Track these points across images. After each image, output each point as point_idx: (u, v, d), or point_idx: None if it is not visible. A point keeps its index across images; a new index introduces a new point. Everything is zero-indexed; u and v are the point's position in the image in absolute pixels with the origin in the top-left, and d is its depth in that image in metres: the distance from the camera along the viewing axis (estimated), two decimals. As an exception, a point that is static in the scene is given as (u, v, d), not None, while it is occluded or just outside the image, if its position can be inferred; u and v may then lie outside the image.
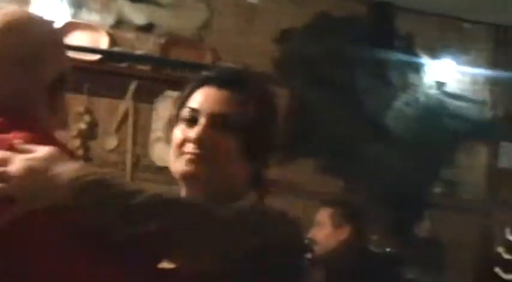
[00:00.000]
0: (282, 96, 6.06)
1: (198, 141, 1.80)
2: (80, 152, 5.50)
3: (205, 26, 6.05)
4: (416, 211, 6.31)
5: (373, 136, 6.34)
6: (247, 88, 1.90)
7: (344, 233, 4.12)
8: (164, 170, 2.82)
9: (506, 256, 2.02)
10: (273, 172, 6.17)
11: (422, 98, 6.61)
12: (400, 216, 6.19)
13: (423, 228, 5.99)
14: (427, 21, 6.59)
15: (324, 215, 4.19)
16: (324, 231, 4.15)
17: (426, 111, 6.62)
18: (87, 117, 5.64)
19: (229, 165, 1.84)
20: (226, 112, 1.84)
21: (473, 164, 6.75)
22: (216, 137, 1.81)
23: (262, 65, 6.04)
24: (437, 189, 6.50)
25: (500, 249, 2.02)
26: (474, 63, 6.79)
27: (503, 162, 6.96)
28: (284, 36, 6.16)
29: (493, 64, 6.82)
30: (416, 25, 6.56)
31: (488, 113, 6.73)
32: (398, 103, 6.49)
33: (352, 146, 6.27)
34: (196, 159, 1.79)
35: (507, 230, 2.00)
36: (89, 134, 5.72)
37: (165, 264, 1.69)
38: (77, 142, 5.56)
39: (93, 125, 5.73)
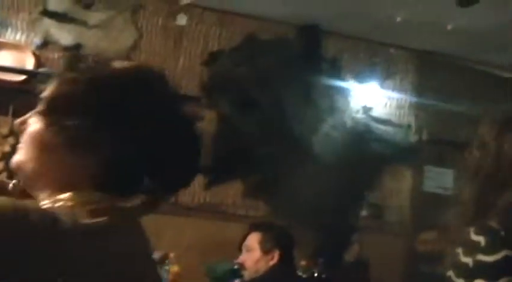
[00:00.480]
0: (209, 119, 6.08)
1: None
2: (4, 174, 5.37)
3: (134, 47, 6.03)
4: (344, 235, 6.35)
5: (300, 159, 6.37)
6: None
7: (273, 258, 4.11)
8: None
9: (458, 281, 2.02)
10: (201, 195, 6.13)
11: (349, 122, 6.67)
12: (328, 240, 6.22)
13: (351, 251, 6.02)
14: (354, 45, 6.69)
15: (252, 240, 4.18)
16: (253, 256, 4.13)
17: (353, 135, 6.68)
18: (11, 140, 5.51)
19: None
20: None
21: (398, 188, 6.85)
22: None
23: (191, 87, 6.04)
24: (364, 213, 6.57)
25: (450, 273, 2.01)
26: (399, 88, 6.90)
27: (428, 186, 7.08)
28: (212, 59, 6.17)
29: (417, 89, 6.95)
30: (343, 49, 6.64)
31: (413, 137, 6.84)
32: (326, 127, 6.53)
33: (280, 169, 6.28)
34: None
35: (460, 251, 1.98)
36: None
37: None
38: (0, 165, 5.43)
39: (17, 148, 5.59)
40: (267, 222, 5.01)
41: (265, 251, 4.14)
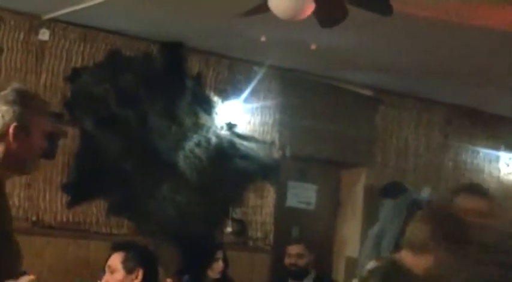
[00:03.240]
0: (72, 136, 6.11)
1: None
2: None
3: (-6, 62, 5.96)
4: (208, 251, 6.47)
5: (164, 177, 6.44)
6: None
7: (137, 277, 4.17)
8: None
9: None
10: (63, 213, 6.12)
11: (213, 139, 6.79)
12: (192, 256, 6.32)
13: (215, 268, 6.14)
14: (218, 63, 6.84)
15: (115, 260, 4.21)
16: (116, 277, 4.17)
17: (216, 152, 6.81)
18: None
19: None
20: None
21: (262, 203, 7.04)
22: None
23: (53, 104, 6.05)
24: (228, 229, 6.72)
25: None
26: (263, 105, 7.10)
27: (291, 201, 7.32)
28: (75, 74, 6.15)
29: (281, 106, 7.16)
30: (207, 66, 6.79)
31: (276, 154, 7.03)
32: (190, 143, 6.62)
33: (144, 186, 6.33)
34: None
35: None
36: None
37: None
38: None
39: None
40: (128, 241, 5.05)
41: (128, 270, 4.17)
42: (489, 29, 5.21)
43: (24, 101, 2.56)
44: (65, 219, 6.22)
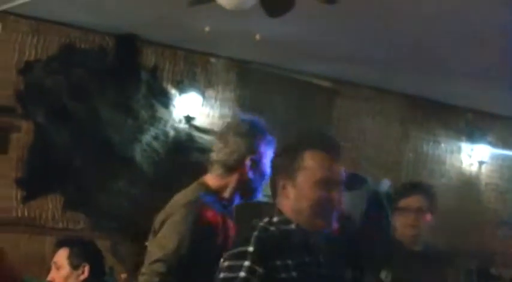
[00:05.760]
0: (26, 130, 6.12)
1: None
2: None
3: None
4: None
5: (119, 170, 6.47)
6: None
7: (83, 273, 4.19)
8: None
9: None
10: (19, 208, 6.10)
11: (171, 132, 6.83)
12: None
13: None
14: (173, 55, 6.85)
15: (61, 256, 4.21)
16: (62, 273, 4.18)
17: (175, 145, 6.85)
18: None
19: None
20: None
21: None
22: None
23: (6, 97, 6.05)
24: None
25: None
26: (221, 98, 7.12)
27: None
28: (28, 68, 6.16)
29: (239, 98, 7.18)
30: (163, 58, 6.80)
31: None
32: (147, 137, 6.65)
33: (98, 180, 6.35)
34: None
35: None
36: None
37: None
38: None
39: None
40: (73, 237, 5.07)
41: (74, 266, 4.19)
42: (448, 16, 5.24)
43: None
44: (20, 215, 6.20)
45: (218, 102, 7.15)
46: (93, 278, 4.22)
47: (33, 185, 6.21)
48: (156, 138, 6.74)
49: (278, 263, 2.38)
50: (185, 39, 6.59)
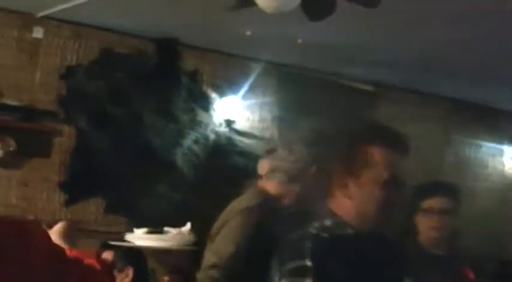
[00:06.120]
0: (68, 134, 6.16)
1: None
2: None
3: (-13, 61, 5.99)
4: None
5: (161, 174, 6.49)
6: None
7: (127, 276, 4.22)
8: None
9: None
10: (61, 212, 6.12)
11: (211, 136, 6.84)
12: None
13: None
14: (214, 59, 6.86)
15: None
16: (108, 276, 4.22)
17: (215, 149, 6.86)
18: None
19: None
20: None
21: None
22: None
23: (48, 102, 6.10)
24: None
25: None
26: (261, 101, 7.11)
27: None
28: (70, 73, 6.19)
29: (278, 102, 7.16)
30: (203, 62, 6.81)
31: (275, 150, 7.03)
32: (187, 141, 6.66)
33: (140, 184, 6.38)
34: None
35: None
36: None
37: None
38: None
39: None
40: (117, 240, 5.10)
41: (119, 269, 4.23)
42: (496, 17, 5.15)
43: None
44: (63, 218, 6.23)
45: (258, 106, 7.14)
46: (137, 280, 4.25)
47: (75, 188, 6.26)
48: (196, 142, 6.75)
49: (337, 272, 2.21)
50: (226, 43, 6.59)
